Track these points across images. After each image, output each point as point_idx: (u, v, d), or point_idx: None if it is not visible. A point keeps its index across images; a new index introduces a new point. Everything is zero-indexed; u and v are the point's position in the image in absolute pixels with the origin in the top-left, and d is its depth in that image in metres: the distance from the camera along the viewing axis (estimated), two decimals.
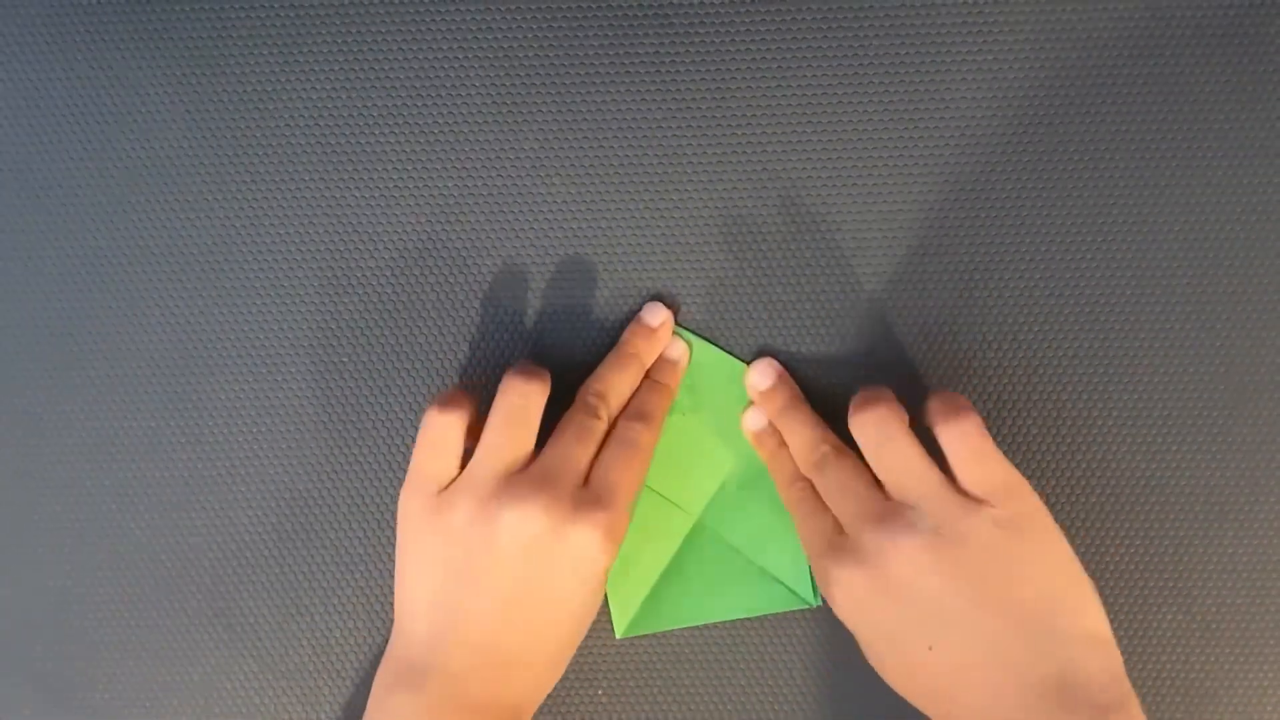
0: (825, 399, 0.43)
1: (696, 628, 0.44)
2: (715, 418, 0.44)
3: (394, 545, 0.44)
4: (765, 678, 0.45)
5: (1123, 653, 0.44)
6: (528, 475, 0.38)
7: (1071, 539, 0.43)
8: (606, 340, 0.43)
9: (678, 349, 0.43)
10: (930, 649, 0.35)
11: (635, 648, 0.45)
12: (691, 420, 0.43)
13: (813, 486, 0.40)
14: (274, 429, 0.44)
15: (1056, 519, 0.43)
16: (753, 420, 0.43)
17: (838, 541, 0.38)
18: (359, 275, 0.43)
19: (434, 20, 0.42)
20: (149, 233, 0.43)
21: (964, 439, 0.37)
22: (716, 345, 0.43)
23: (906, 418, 0.38)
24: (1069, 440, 0.43)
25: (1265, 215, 0.42)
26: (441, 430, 0.39)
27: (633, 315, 0.43)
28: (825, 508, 0.39)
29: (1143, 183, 0.42)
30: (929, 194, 0.42)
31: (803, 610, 0.44)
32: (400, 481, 0.44)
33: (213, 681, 0.45)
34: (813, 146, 0.42)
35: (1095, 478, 0.43)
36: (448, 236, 0.43)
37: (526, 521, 0.37)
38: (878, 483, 0.38)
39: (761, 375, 0.43)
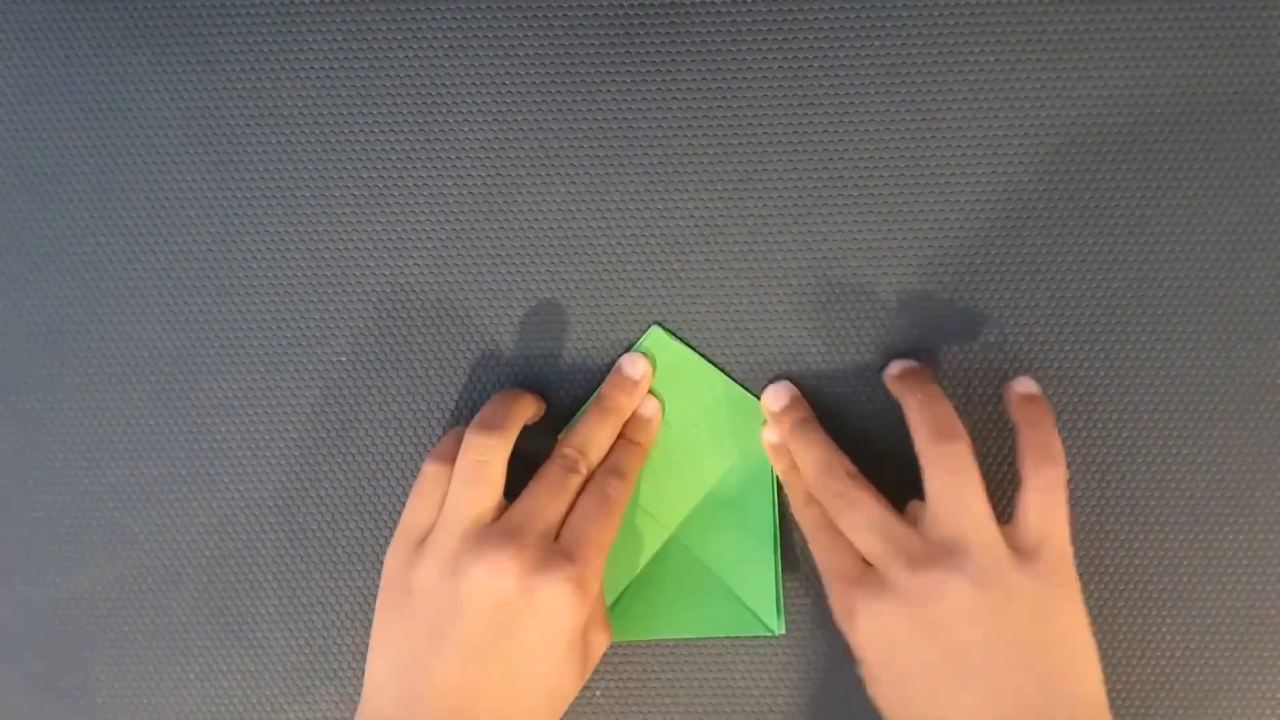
0: (831, 413, 0.43)
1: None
2: (703, 433, 0.43)
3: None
4: (765, 678, 0.45)
5: (1121, 655, 0.44)
6: (496, 529, 0.37)
7: (1072, 539, 0.44)
8: (604, 340, 0.43)
9: (651, 407, 0.43)
10: (964, 692, 0.35)
11: (632, 650, 0.45)
12: (677, 433, 0.43)
13: (824, 513, 0.40)
14: (272, 428, 0.44)
15: None
16: (771, 433, 0.43)
17: (871, 575, 0.37)
18: (358, 274, 0.43)
19: (434, 19, 0.42)
20: (148, 231, 0.43)
21: (1049, 491, 0.37)
22: (710, 360, 0.43)
23: (974, 454, 0.37)
24: (1068, 441, 0.43)
25: (1266, 216, 0.42)
26: (429, 480, 0.40)
27: (632, 314, 0.43)
28: (847, 541, 0.39)
29: (1144, 183, 0.42)
30: (930, 193, 0.42)
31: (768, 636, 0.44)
32: (398, 481, 0.44)
33: (210, 681, 0.45)
34: (814, 147, 0.42)
35: (1095, 479, 0.43)
36: (446, 235, 0.43)
37: (493, 575, 0.36)
38: (898, 511, 0.38)
39: (775, 397, 0.43)
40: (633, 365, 0.43)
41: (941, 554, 0.36)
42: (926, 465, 0.37)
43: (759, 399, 0.43)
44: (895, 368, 0.41)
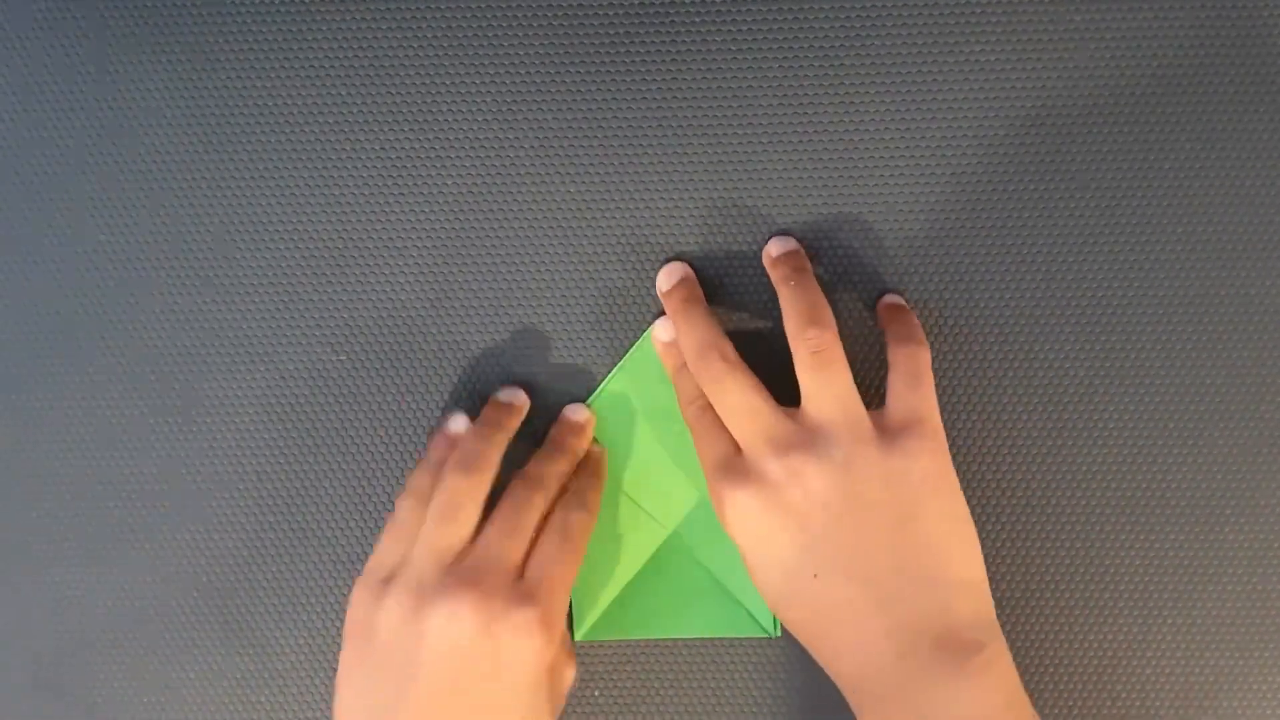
0: None
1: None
2: None
3: None
4: (761, 680, 0.45)
5: (1120, 657, 0.44)
6: (457, 572, 0.37)
7: (1071, 541, 0.44)
8: (606, 340, 0.43)
9: (577, 413, 0.43)
10: (815, 577, 0.36)
11: (631, 650, 0.45)
12: (676, 431, 0.43)
13: (707, 403, 0.39)
14: (272, 427, 0.44)
15: (1055, 519, 0.43)
16: (662, 330, 0.42)
17: (735, 463, 0.37)
18: (357, 273, 0.43)
19: (434, 18, 0.42)
20: (148, 231, 0.43)
21: (911, 359, 0.38)
22: None
23: (840, 344, 0.37)
24: (1069, 443, 0.43)
25: (1267, 216, 0.42)
26: (401, 519, 0.39)
27: (632, 314, 0.43)
28: (723, 428, 0.39)
29: (1145, 183, 0.42)
30: (930, 193, 0.42)
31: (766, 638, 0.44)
32: (398, 481, 0.44)
33: (209, 680, 0.45)
34: (814, 146, 0.42)
35: (1095, 480, 0.43)
36: (446, 234, 0.43)
37: (455, 621, 0.36)
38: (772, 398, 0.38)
39: (667, 275, 0.42)
40: (575, 412, 0.43)
41: (805, 439, 0.36)
42: (796, 350, 0.38)
43: None
44: (774, 248, 0.41)
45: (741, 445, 0.38)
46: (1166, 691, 0.44)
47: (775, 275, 0.40)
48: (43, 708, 0.46)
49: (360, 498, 0.45)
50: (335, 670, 0.44)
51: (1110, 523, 0.43)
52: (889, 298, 0.42)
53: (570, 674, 0.40)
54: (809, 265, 0.41)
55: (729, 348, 0.39)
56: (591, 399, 0.43)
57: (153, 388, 0.44)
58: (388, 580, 0.38)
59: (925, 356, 0.39)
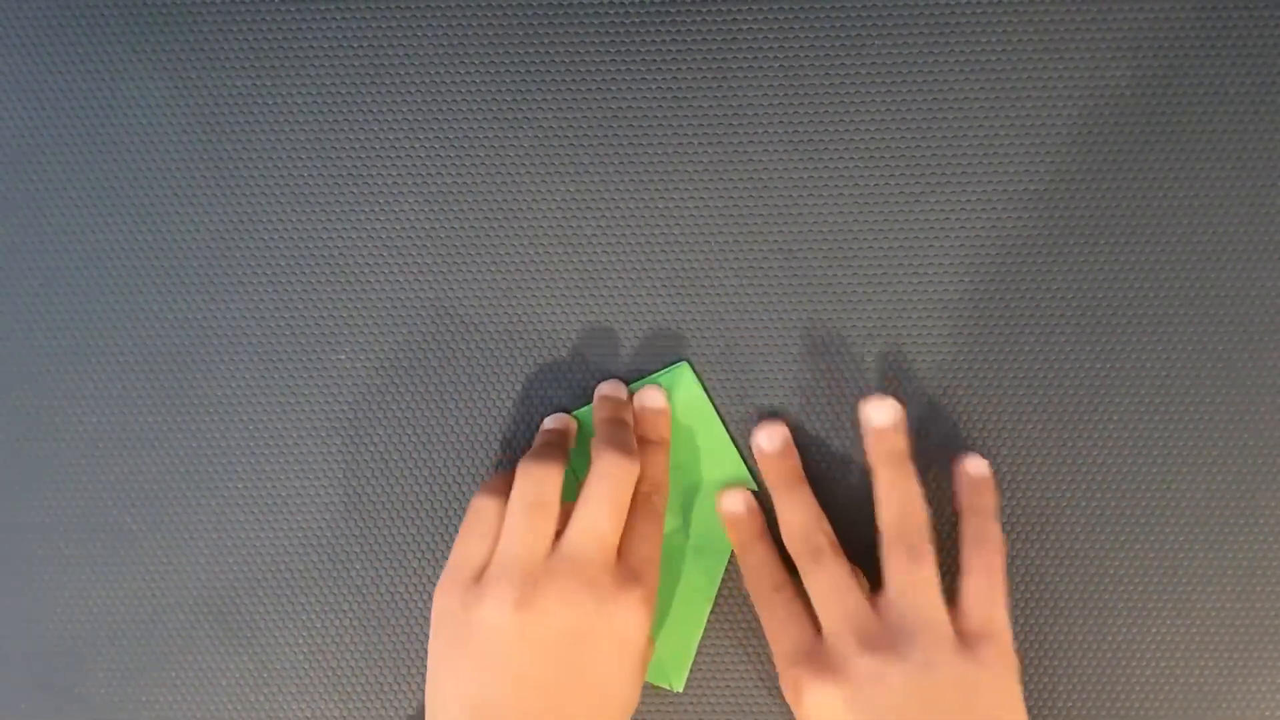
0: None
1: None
2: (684, 476, 0.43)
3: (389, 547, 0.45)
4: (765, 680, 0.45)
5: (1120, 659, 0.44)
6: (563, 558, 0.37)
7: (1071, 542, 0.44)
8: (606, 340, 0.43)
9: (657, 399, 0.43)
10: None
11: None
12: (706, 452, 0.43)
13: (793, 588, 0.40)
14: (271, 428, 0.44)
15: (1054, 525, 0.43)
16: (731, 502, 0.43)
17: (820, 651, 0.38)
18: (357, 273, 0.43)
19: (433, 18, 0.42)
20: (148, 231, 0.43)
21: (989, 573, 0.39)
22: (719, 413, 0.43)
23: (932, 538, 0.38)
24: (1070, 444, 0.43)
25: (1268, 216, 0.42)
26: (481, 514, 0.39)
27: (631, 313, 0.43)
28: (803, 614, 0.39)
29: (1144, 182, 0.42)
30: (930, 192, 0.42)
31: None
32: (397, 481, 0.44)
33: (210, 680, 0.45)
34: (815, 148, 0.42)
35: (1095, 481, 0.43)
36: (445, 234, 0.43)
37: (570, 606, 0.37)
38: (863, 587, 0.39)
39: (769, 437, 0.42)
40: (654, 399, 0.43)
41: (890, 637, 0.37)
42: (887, 544, 0.38)
43: (745, 461, 0.43)
44: (876, 415, 0.42)
45: (826, 631, 0.38)
46: (1166, 694, 0.44)
47: (875, 451, 0.41)
48: (42, 708, 0.46)
49: (359, 497, 0.45)
50: (331, 670, 0.44)
51: (1110, 525, 0.43)
52: (975, 466, 0.42)
53: (652, 647, 0.41)
54: (909, 451, 0.41)
55: (829, 528, 0.40)
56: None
57: (152, 388, 0.44)
58: (478, 576, 0.38)
59: (1002, 563, 0.39)
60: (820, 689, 0.37)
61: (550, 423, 0.43)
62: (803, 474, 0.42)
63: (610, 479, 0.39)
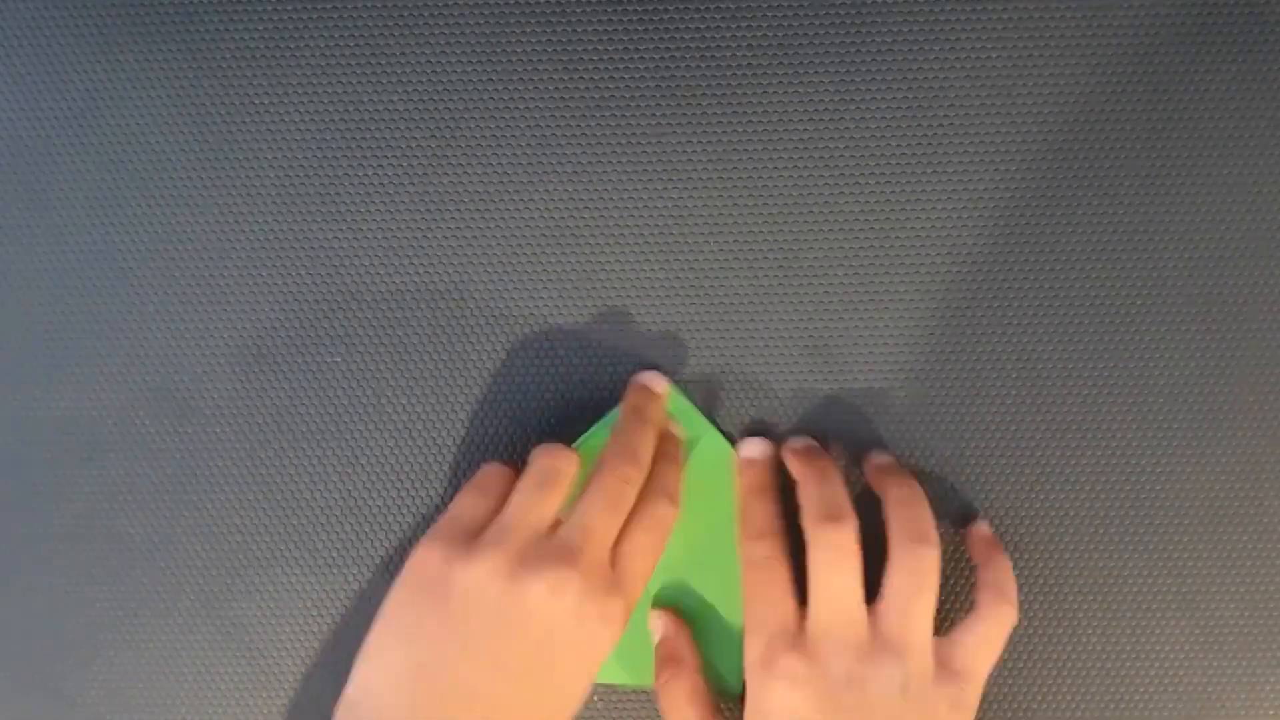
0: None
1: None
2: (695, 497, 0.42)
3: (386, 548, 0.44)
4: None
5: (1126, 659, 0.43)
6: (558, 543, 0.36)
7: (1073, 543, 0.43)
8: (607, 341, 0.43)
9: (675, 428, 0.42)
10: None
11: None
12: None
13: (780, 549, 0.39)
14: (267, 429, 0.44)
15: (1059, 524, 0.43)
16: (750, 448, 0.42)
17: (798, 639, 0.37)
18: (355, 274, 0.43)
19: (433, 17, 0.42)
20: (147, 231, 0.43)
21: (998, 626, 0.38)
22: (707, 416, 0.43)
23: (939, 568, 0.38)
24: (1070, 444, 0.43)
25: (1269, 216, 0.42)
26: (490, 475, 0.38)
27: (631, 313, 0.43)
28: (788, 582, 0.38)
29: (1145, 183, 0.42)
30: (930, 192, 0.42)
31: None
32: (394, 483, 0.44)
33: (204, 682, 0.45)
34: (816, 146, 0.42)
35: (1097, 482, 0.43)
36: (444, 235, 0.43)
37: (557, 595, 0.35)
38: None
39: (799, 439, 0.42)
40: (655, 381, 0.42)
41: (877, 649, 0.37)
42: (893, 560, 0.38)
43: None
44: (879, 459, 0.42)
45: (813, 616, 0.37)
46: (1169, 694, 0.44)
47: (879, 481, 0.41)
48: (42, 707, 0.46)
49: (356, 500, 0.44)
50: (332, 673, 0.44)
51: (1113, 525, 0.43)
52: (981, 529, 0.42)
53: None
54: (913, 475, 0.41)
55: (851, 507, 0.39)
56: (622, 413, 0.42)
57: (151, 388, 0.44)
58: (472, 537, 0.36)
59: (1011, 617, 0.39)
60: (801, 675, 0.36)
61: (644, 378, 0.42)
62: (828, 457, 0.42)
63: (617, 473, 0.38)
